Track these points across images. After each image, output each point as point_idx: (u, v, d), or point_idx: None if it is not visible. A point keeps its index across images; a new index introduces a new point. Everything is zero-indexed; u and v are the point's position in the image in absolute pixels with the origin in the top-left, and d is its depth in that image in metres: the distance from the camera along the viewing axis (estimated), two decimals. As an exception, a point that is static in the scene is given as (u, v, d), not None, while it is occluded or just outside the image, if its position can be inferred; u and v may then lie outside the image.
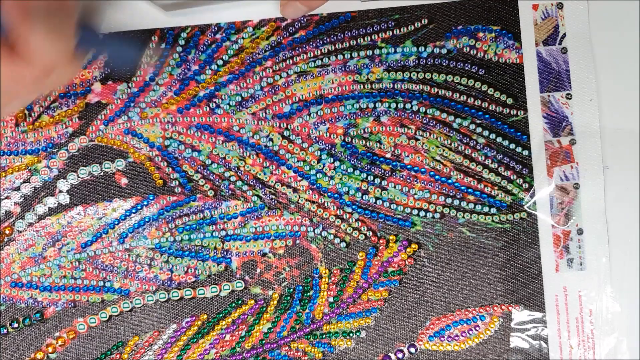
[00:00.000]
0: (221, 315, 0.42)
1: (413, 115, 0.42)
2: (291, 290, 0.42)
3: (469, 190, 0.42)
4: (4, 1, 0.26)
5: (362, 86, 0.41)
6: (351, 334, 0.42)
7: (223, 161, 0.42)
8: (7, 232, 0.41)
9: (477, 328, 0.42)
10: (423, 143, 0.42)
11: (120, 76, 0.41)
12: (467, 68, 0.41)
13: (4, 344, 0.41)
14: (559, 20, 0.41)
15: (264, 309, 0.42)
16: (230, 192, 0.42)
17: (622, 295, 0.41)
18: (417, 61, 0.41)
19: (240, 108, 0.41)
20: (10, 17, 0.26)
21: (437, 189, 0.42)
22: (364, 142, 0.42)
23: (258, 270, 0.42)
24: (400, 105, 0.41)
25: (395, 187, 0.42)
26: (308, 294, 0.42)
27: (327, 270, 0.42)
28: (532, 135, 0.41)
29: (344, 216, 0.42)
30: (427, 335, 0.42)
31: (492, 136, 0.41)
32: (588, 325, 0.42)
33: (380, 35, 0.41)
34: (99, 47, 0.32)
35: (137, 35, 0.35)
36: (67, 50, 0.27)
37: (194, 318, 0.42)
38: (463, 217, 0.42)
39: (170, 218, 0.41)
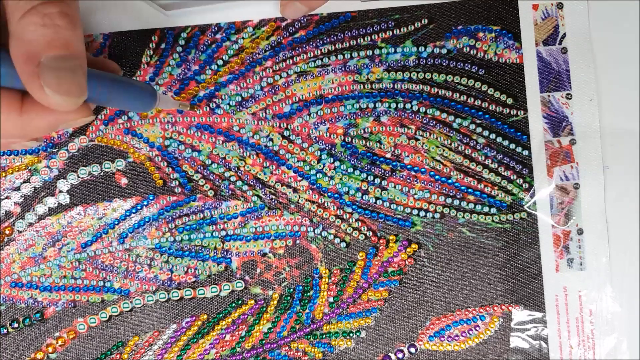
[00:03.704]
0: (221, 315, 0.42)
1: (413, 115, 0.42)
2: (291, 290, 0.42)
3: (469, 190, 0.42)
4: (15, 56, 0.26)
5: (362, 86, 0.41)
6: (351, 334, 0.42)
7: (223, 161, 0.42)
8: (7, 232, 0.41)
9: (477, 328, 0.42)
10: (423, 143, 0.42)
11: (120, 76, 0.41)
12: (467, 68, 0.41)
13: (4, 344, 0.41)
14: (559, 20, 0.41)
15: (264, 309, 0.42)
16: (230, 192, 0.42)
17: (622, 295, 0.41)
18: (417, 61, 0.41)
19: (240, 108, 0.41)
20: (22, 72, 0.26)
21: (437, 189, 0.42)
22: (364, 142, 0.42)
23: (258, 270, 0.42)
24: (400, 105, 0.41)
25: (395, 187, 0.42)
26: (308, 294, 0.42)
27: (327, 270, 0.42)
28: (532, 135, 0.42)
29: (344, 216, 0.42)
30: (427, 335, 0.42)
31: (492, 136, 0.41)
32: (588, 325, 0.42)
33: (380, 35, 0.41)
34: (108, 97, 0.32)
35: (143, 86, 0.35)
36: (78, 102, 0.27)
37: (194, 318, 0.42)
38: (463, 217, 0.42)
39: (170, 218, 0.41)
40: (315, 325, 0.42)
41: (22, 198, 0.41)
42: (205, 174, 0.42)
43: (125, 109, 0.40)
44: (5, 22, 0.27)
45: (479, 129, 0.41)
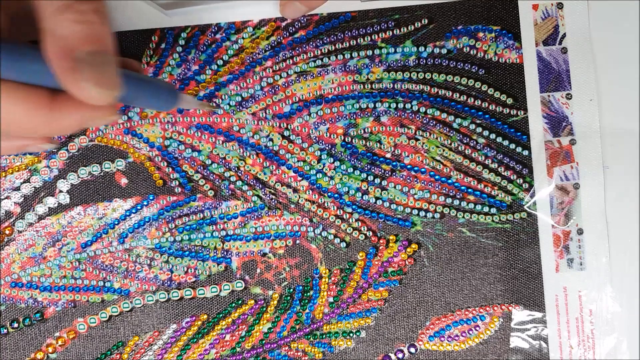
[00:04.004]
0: (221, 315, 0.42)
1: (413, 115, 0.42)
2: (291, 290, 0.42)
3: (469, 190, 0.42)
4: (50, 52, 0.26)
5: (362, 86, 0.41)
6: (351, 334, 0.42)
7: (223, 161, 0.42)
8: (7, 232, 0.41)
9: (477, 328, 0.42)
10: (423, 143, 0.42)
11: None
12: (467, 68, 0.41)
13: (4, 344, 0.41)
14: (559, 20, 0.41)
15: (264, 309, 0.42)
16: (230, 192, 0.42)
17: (622, 295, 0.41)
18: (417, 61, 0.41)
19: (240, 108, 0.41)
20: (58, 67, 0.26)
21: (437, 189, 0.42)
22: (364, 142, 0.42)
23: (258, 270, 0.42)
24: (400, 105, 0.41)
25: (395, 187, 0.42)
26: (308, 294, 0.42)
27: (327, 270, 0.42)
28: (532, 135, 0.42)
29: (344, 216, 0.42)
30: (427, 335, 0.42)
31: (492, 136, 0.41)
32: (588, 325, 0.42)
33: (380, 35, 0.41)
34: (133, 96, 0.32)
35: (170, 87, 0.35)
36: (114, 95, 0.28)
37: (194, 318, 0.42)
38: (463, 217, 0.42)
39: (170, 218, 0.41)
40: (315, 325, 0.42)
41: (22, 198, 0.41)
42: (205, 174, 0.42)
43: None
44: (36, 19, 0.27)
45: (479, 129, 0.41)
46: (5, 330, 0.41)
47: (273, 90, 0.41)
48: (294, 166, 0.42)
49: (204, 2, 0.40)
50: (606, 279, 0.41)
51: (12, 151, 0.34)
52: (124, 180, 0.42)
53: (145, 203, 0.41)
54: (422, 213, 0.42)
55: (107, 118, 0.30)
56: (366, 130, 0.42)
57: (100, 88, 0.27)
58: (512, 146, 0.42)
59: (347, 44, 0.41)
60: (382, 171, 0.42)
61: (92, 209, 0.42)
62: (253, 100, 0.41)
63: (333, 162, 0.41)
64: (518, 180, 0.42)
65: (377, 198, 0.42)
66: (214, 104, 0.41)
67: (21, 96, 0.27)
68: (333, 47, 0.41)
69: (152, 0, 0.40)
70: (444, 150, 0.41)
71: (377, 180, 0.42)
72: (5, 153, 0.34)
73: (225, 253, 0.42)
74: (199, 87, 0.41)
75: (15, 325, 0.41)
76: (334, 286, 0.42)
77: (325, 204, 0.42)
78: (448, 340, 0.42)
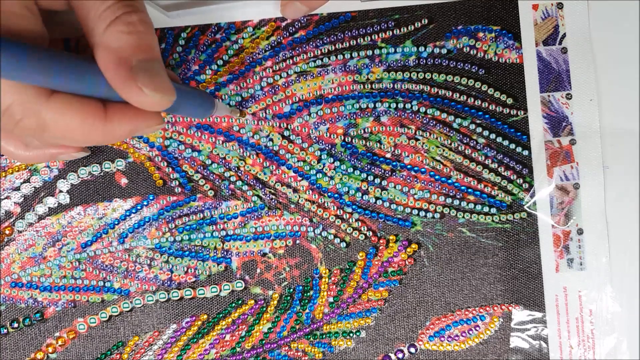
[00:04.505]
0: (221, 315, 0.42)
1: (413, 115, 0.42)
2: (291, 290, 0.42)
3: (469, 190, 0.42)
4: (106, 64, 0.27)
5: (362, 86, 0.41)
6: (351, 334, 0.42)
7: (223, 161, 0.42)
8: (7, 232, 0.41)
9: (477, 328, 0.42)
10: (423, 143, 0.42)
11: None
12: (467, 68, 0.41)
13: (4, 344, 0.41)
14: (559, 20, 0.41)
15: (264, 309, 0.42)
16: (230, 192, 0.42)
17: (622, 295, 0.41)
18: (417, 61, 0.41)
19: (241, 108, 0.41)
20: (116, 77, 0.27)
21: (437, 189, 0.42)
22: (364, 142, 0.42)
23: (258, 270, 0.42)
24: (400, 105, 0.41)
25: (395, 187, 0.42)
26: (308, 294, 0.42)
27: (327, 270, 0.42)
28: (532, 135, 0.42)
29: (344, 216, 0.42)
30: (427, 335, 0.42)
31: (492, 136, 0.41)
32: (588, 325, 0.42)
33: (380, 35, 0.41)
34: (175, 105, 0.32)
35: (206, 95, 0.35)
36: (171, 100, 0.29)
37: (194, 318, 0.42)
38: (463, 217, 0.42)
39: (170, 218, 0.41)
40: (315, 325, 0.42)
41: (22, 198, 0.41)
42: (205, 174, 0.42)
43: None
44: (85, 33, 0.28)
45: (479, 129, 0.41)
46: (5, 330, 0.41)
47: (273, 90, 0.41)
48: (294, 166, 0.42)
49: (204, 2, 0.40)
50: (606, 279, 0.41)
51: (42, 159, 0.35)
52: (124, 180, 0.42)
53: (145, 203, 0.41)
54: (422, 213, 0.42)
55: (156, 126, 0.31)
56: (366, 130, 0.42)
57: (160, 93, 0.28)
58: (512, 146, 0.42)
59: (347, 44, 0.41)
60: (382, 171, 0.42)
61: (92, 209, 0.42)
62: (253, 100, 0.41)
63: (333, 162, 0.41)
64: (518, 180, 0.42)
65: (377, 198, 0.42)
66: (243, 112, 0.41)
67: (77, 107, 0.28)
68: (333, 47, 0.41)
69: (153, 0, 0.40)
70: (444, 150, 0.42)
71: (377, 180, 0.42)
72: (36, 161, 0.35)
73: (225, 253, 0.42)
74: (199, 87, 0.41)
75: (15, 325, 0.41)
76: (334, 286, 0.42)
77: (325, 204, 0.42)
78: (448, 340, 0.42)
